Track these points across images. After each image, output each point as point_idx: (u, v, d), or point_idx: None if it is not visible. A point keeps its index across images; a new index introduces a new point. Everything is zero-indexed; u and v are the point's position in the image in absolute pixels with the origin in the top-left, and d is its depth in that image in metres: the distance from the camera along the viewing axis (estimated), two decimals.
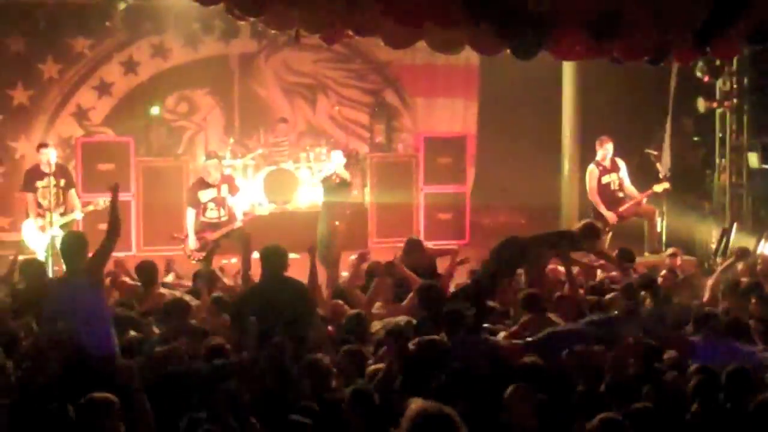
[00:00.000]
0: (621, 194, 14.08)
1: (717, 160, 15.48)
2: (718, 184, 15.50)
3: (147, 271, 10.38)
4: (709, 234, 15.13)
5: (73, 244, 8.03)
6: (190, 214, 12.82)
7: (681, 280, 11.20)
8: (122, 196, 14.94)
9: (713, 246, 14.86)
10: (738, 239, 14.67)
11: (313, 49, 16.60)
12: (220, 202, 12.79)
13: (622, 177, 14.06)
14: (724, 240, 14.67)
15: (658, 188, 14.27)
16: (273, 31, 14.38)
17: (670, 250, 12.82)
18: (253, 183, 15.89)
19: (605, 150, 13.98)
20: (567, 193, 15.24)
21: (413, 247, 11.34)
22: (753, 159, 15.35)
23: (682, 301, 10.22)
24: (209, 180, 12.80)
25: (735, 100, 15.12)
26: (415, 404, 5.49)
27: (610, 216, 13.84)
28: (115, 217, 8.22)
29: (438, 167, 16.49)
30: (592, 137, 14.35)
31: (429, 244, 12.49)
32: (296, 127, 17.29)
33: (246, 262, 12.33)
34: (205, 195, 12.77)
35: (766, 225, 14.87)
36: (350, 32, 11.21)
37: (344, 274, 12.81)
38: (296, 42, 13.08)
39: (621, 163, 14.10)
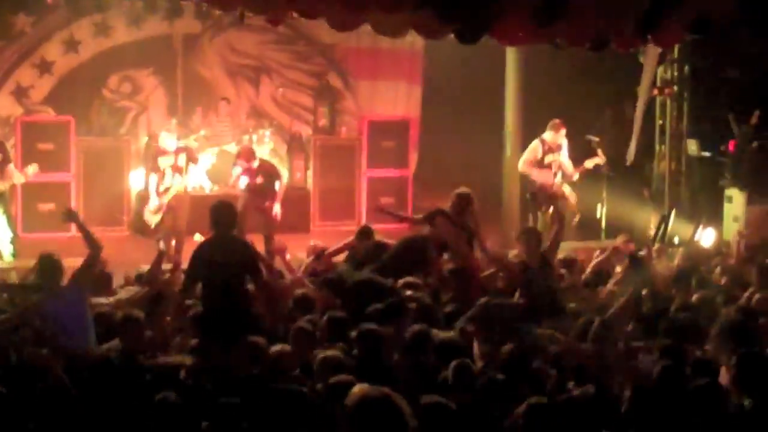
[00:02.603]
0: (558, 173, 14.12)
1: (657, 147, 15.66)
2: (658, 171, 15.68)
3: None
4: (648, 220, 15.30)
5: (51, 265, 8.70)
6: (152, 179, 13.48)
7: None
8: (61, 177, 15.13)
9: (652, 232, 15.04)
10: (676, 226, 14.87)
11: (257, 31, 16.54)
12: (177, 170, 13.39)
13: (563, 158, 14.07)
14: (663, 226, 14.85)
15: (589, 164, 14.15)
16: (217, 12, 14.38)
17: (621, 237, 12.96)
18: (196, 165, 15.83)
19: (559, 135, 13.89)
20: (509, 177, 15.27)
21: (364, 235, 11.52)
22: (692, 146, 15.57)
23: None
24: (165, 147, 13.44)
25: (675, 88, 15.29)
26: (357, 389, 5.52)
27: (547, 183, 13.88)
28: (89, 239, 8.93)
29: (381, 151, 16.53)
30: (535, 122, 14.40)
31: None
32: (240, 109, 17.21)
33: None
34: (163, 161, 13.37)
35: (704, 212, 15.09)
36: (295, 14, 11.21)
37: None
38: (241, 23, 13.11)
39: (564, 143, 14.03)
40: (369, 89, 17.68)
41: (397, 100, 17.75)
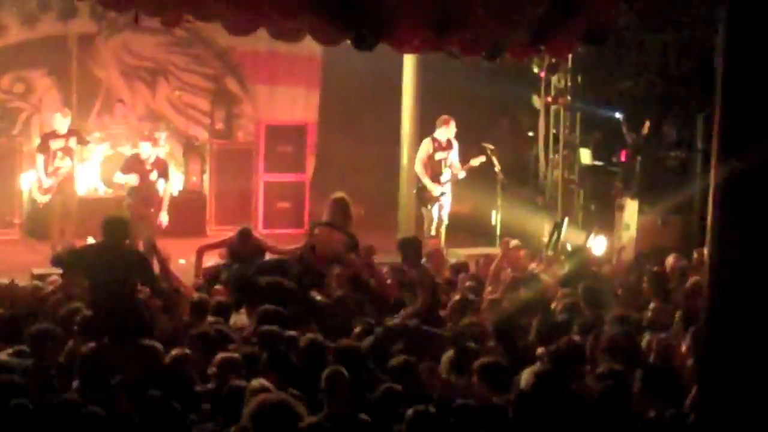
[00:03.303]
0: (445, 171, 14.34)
1: (550, 156, 15.86)
2: (551, 179, 15.88)
3: None
4: (542, 228, 15.49)
5: None
6: (40, 160, 13.94)
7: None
8: None
9: (545, 239, 15.23)
10: (569, 233, 15.08)
11: (153, 33, 16.30)
12: (67, 152, 13.93)
13: (452, 157, 14.31)
14: (556, 234, 15.04)
15: (475, 162, 14.43)
16: (113, 13, 14.22)
17: (514, 242, 13.12)
18: (90, 166, 15.64)
19: (450, 129, 14.20)
20: (405, 183, 15.37)
21: (244, 235, 11.69)
22: (585, 155, 15.82)
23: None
24: (57, 129, 13.99)
25: (569, 97, 15.51)
26: (258, 396, 5.54)
27: (434, 188, 14.11)
28: None
29: (278, 155, 16.52)
30: (431, 129, 14.51)
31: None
32: (135, 111, 17.01)
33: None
34: (54, 144, 13.90)
35: (596, 220, 15.34)
36: (190, 17, 11.13)
37: (181, 261, 12.75)
38: (135, 24, 12.97)
39: (455, 144, 14.34)
40: (266, 93, 17.59)
41: (294, 104, 17.69)
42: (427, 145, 14.23)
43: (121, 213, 9.93)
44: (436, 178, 14.19)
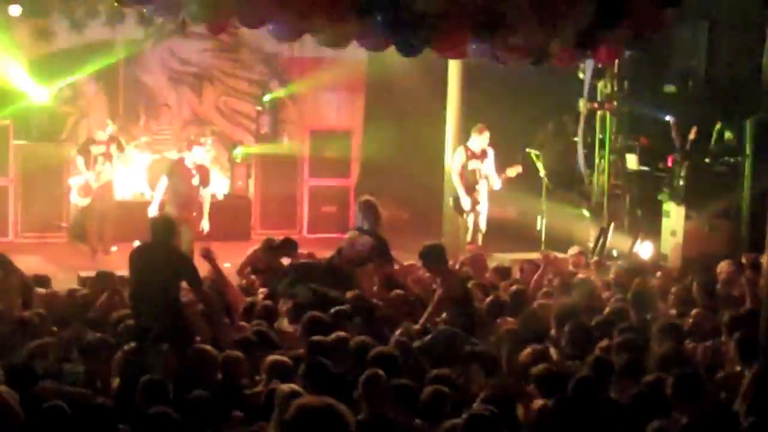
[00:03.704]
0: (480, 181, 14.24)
1: (596, 161, 15.77)
2: (597, 184, 15.79)
3: None
4: (587, 233, 15.40)
5: None
6: (80, 161, 14.40)
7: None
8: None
9: (591, 245, 15.15)
10: (615, 239, 15.00)
11: (199, 38, 16.47)
12: (108, 158, 14.30)
13: (487, 167, 14.19)
14: (602, 239, 14.97)
15: (511, 172, 14.33)
16: (160, 19, 14.31)
17: (574, 249, 13.06)
18: (135, 171, 15.73)
19: (483, 138, 14.09)
20: (450, 186, 15.35)
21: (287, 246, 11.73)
22: (631, 160, 15.71)
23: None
24: (97, 138, 14.44)
25: (615, 103, 15.41)
26: (297, 400, 5.52)
27: (465, 201, 14.01)
28: None
29: (323, 160, 16.57)
30: None
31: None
32: (181, 116, 17.12)
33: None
34: (95, 149, 14.32)
35: (643, 226, 15.23)
36: (237, 23, 11.16)
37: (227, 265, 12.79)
38: (182, 30, 13.07)
39: (490, 152, 14.20)
40: (311, 99, 17.68)
41: (339, 109, 17.77)
42: (460, 154, 14.09)
43: (167, 217, 9.97)
44: (470, 188, 14.04)
